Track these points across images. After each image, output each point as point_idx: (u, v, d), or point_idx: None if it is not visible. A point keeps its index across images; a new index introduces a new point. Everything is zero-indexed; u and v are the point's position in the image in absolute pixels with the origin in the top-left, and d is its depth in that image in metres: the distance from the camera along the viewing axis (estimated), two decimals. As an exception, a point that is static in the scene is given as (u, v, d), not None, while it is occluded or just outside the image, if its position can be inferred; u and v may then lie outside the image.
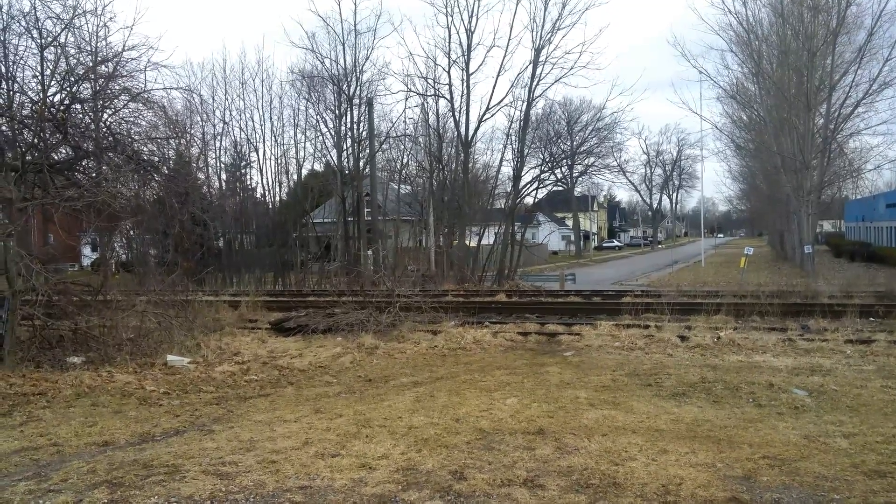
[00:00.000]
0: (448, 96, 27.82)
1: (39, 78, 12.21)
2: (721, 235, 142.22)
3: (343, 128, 30.48)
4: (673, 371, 9.34)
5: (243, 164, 35.55)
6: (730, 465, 5.44)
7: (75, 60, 12.18)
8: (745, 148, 40.40)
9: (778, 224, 46.05)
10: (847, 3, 26.61)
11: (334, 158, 30.87)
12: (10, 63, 12.60)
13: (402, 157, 33.61)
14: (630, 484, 5.06)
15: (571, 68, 29.66)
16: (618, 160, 59.81)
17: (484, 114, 29.91)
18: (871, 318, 13.24)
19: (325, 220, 35.48)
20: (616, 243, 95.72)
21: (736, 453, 5.74)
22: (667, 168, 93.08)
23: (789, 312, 13.97)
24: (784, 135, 28.45)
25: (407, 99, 31.41)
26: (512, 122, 30.32)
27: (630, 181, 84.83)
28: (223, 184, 34.64)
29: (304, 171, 34.80)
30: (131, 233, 11.95)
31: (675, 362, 10.08)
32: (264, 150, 58.55)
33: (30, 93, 11.96)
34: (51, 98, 11.84)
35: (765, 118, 30.84)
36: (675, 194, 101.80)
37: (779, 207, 38.85)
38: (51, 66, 12.08)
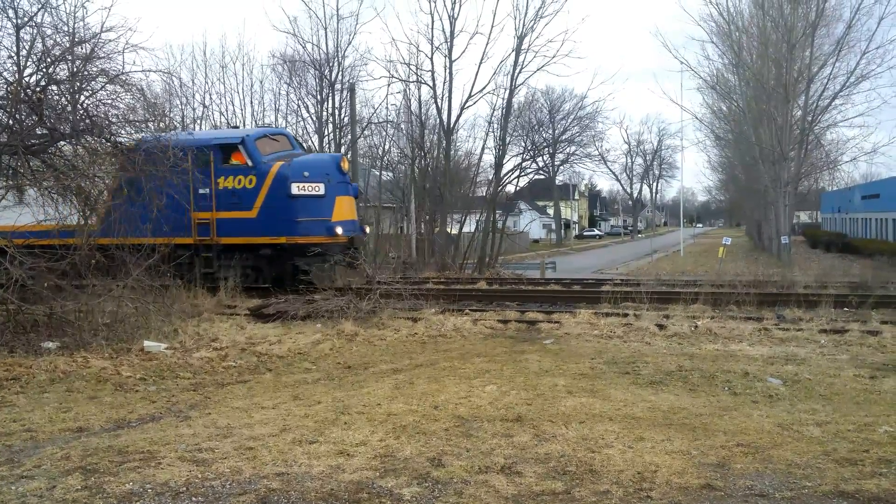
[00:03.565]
0: (431, 83, 27.71)
1: (15, 59, 11.94)
2: (700, 225, 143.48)
3: (324, 113, 30.26)
4: (651, 359, 9.42)
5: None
6: (704, 453, 5.51)
7: (52, 41, 11.91)
8: (725, 138, 40.73)
9: (756, 214, 46.55)
10: (827, -5, 26.85)
11: (315, 144, 30.63)
12: (-16, 43, 12.35)
13: (384, 144, 33.46)
14: (606, 471, 5.11)
15: (554, 57, 29.44)
16: (599, 149, 60.16)
17: (466, 101, 29.77)
18: (846, 308, 13.44)
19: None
20: (597, 232, 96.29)
21: (711, 441, 5.82)
22: (647, 158, 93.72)
23: (765, 302, 14.14)
24: (763, 126, 28.71)
25: (389, 85, 31.37)
26: (494, 109, 30.33)
27: (611, 170, 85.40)
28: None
29: (285, 157, 34.44)
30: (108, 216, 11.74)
31: (652, 350, 10.18)
32: (245, 135, 57.86)
33: (5, 74, 11.71)
34: (27, 79, 11.59)
35: (744, 109, 31.09)
36: (655, 184, 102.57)
37: (757, 198, 39.27)
38: (27, 47, 11.83)
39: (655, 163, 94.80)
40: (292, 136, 19.44)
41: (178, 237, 15.78)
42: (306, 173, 15.81)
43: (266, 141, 16.49)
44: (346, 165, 16.95)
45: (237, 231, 15.84)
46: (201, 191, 15.93)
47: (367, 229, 17.28)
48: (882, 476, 4.99)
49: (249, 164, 15.77)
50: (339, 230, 15.99)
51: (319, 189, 15.87)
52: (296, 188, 15.60)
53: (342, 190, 16.55)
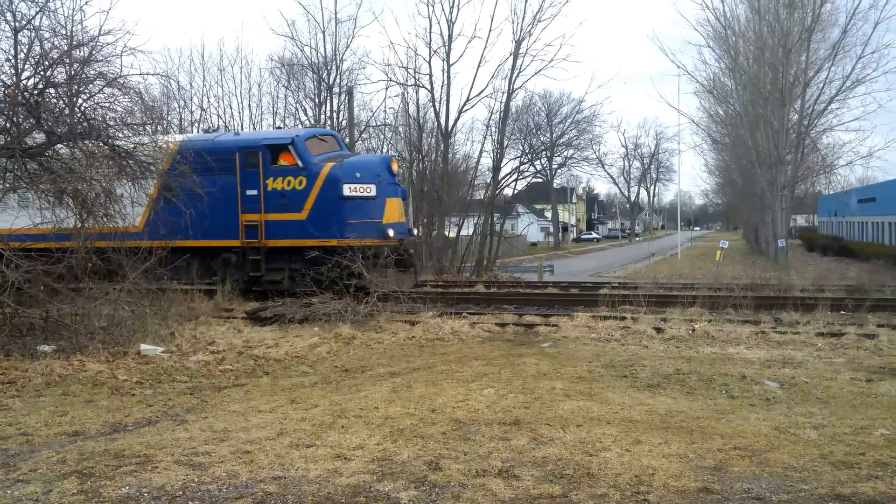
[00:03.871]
0: (429, 86, 27.72)
1: (13, 61, 11.92)
2: (697, 229, 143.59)
3: (322, 116, 30.24)
4: (648, 362, 9.43)
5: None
6: (702, 456, 5.51)
7: (50, 44, 11.90)
8: (722, 142, 40.81)
9: (752, 218, 46.60)
10: (822, 0, 26.93)
11: (313, 147, 30.60)
12: (-18, 46, 12.31)
13: (382, 147, 33.45)
14: (604, 474, 5.11)
15: (551, 61, 29.52)
16: (596, 153, 60.14)
17: (464, 104, 29.79)
18: (842, 312, 13.47)
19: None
20: (594, 235, 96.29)
21: (708, 444, 5.82)
22: (645, 161, 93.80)
23: (762, 305, 14.17)
24: (759, 130, 28.77)
25: (387, 88, 31.37)
26: (492, 113, 30.33)
27: (608, 174, 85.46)
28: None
29: (283, 160, 34.44)
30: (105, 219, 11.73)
31: (650, 354, 10.18)
32: (242, 138, 57.84)
33: (2, 76, 11.71)
34: (24, 82, 11.58)
35: (741, 113, 31.15)
36: (652, 187, 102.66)
37: (753, 201, 39.34)
38: (24, 50, 11.81)
39: (653, 166, 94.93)
40: (340, 136, 19.10)
41: (225, 240, 15.79)
42: (358, 174, 15.55)
43: (315, 141, 16.24)
44: (395, 167, 16.63)
45: (286, 233, 15.56)
46: (249, 192, 15.71)
47: (416, 232, 16.81)
48: (878, 479, 4.99)
49: (300, 164, 15.49)
50: (391, 232, 15.71)
51: (371, 190, 15.61)
52: (347, 189, 15.34)
53: (392, 191, 16.31)
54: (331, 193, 15.32)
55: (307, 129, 17.98)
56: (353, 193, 15.42)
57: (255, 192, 15.69)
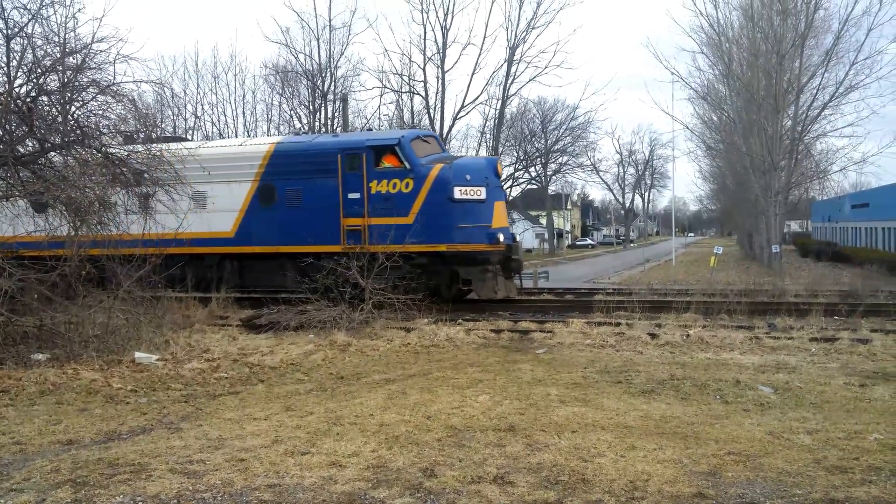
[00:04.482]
0: (423, 93, 27.93)
1: (5, 69, 11.91)
2: (692, 234, 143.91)
3: (317, 123, 30.32)
4: (643, 368, 9.44)
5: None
6: (696, 461, 5.52)
7: (42, 52, 11.90)
8: (716, 149, 40.93)
9: (746, 224, 46.76)
10: (815, 7, 27.12)
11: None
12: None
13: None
14: (599, 480, 5.12)
15: (546, 67, 29.82)
16: (591, 159, 60.32)
17: (459, 111, 30.02)
18: (836, 317, 13.51)
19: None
20: (589, 241, 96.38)
21: (702, 449, 5.83)
22: (639, 167, 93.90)
23: (757, 311, 14.20)
24: (753, 136, 28.89)
25: (382, 95, 31.32)
26: (487, 119, 30.51)
27: (603, 180, 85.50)
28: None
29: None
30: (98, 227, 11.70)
31: (645, 359, 10.20)
32: (237, 146, 57.75)
33: (-5, 84, 11.69)
34: (17, 90, 11.57)
35: (734, 119, 31.30)
36: (647, 193, 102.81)
37: (747, 207, 39.45)
38: (17, 57, 11.80)
39: (647, 172, 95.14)
40: (440, 138, 18.59)
41: (324, 245, 15.24)
42: (468, 176, 14.92)
43: (419, 142, 15.66)
44: (500, 169, 16.08)
45: (390, 238, 14.78)
46: (351, 195, 15.11)
47: (518, 238, 16.31)
48: (872, 483, 5.01)
49: (407, 166, 14.87)
50: (501, 237, 15.13)
51: (481, 193, 14.96)
52: (458, 192, 14.73)
53: (498, 195, 15.77)
54: (440, 196, 14.72)
55: (410, 130, 17.01)
56: (464, 197, 14.79)
57: (357, 196, 15.06)
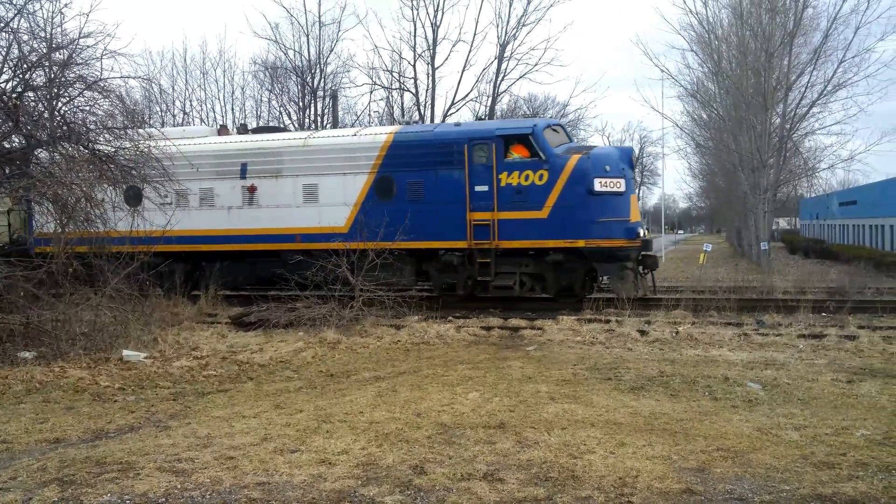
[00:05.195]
0: (413, 90, 27.84)
1: (-10, 65, 11.81)
2: (681, 232, 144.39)
3: (307, 120, 30.20)
4: (632, 365, 9.47)
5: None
6: (685, 458, 5.54)
7: (28, 47, 11.80)
8: (705, 146, 41.07)
9: (736, 221, 46.99)
10: (803, 5, 27.25)
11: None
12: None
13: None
14: (588, 477, 5.13)
15: (536, 64, 29.68)
16: (581, 156, 60.12)
17: (449, 108, 29.88)
18: (824, 314, 13.59)
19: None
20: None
21: (691, 446, 5.86)
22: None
23: (745, 307, 14.27)
24: (742, 134, 29.01)
25: (372, 92, 31.25)
26: (477, 117, 30.36)
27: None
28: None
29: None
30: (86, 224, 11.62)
31: (634, 356, 10.23)
32: (226, 142, 57.38)
33: (-21, 79, 11.58)
34: (2, 85, 11.47)
35: (724, 117, 31.41)
36: (637, 191, 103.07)
37: (737, 205, 39.66)
38: (2, 53, 11.69)
39: (637, 170, 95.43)
40: (566, 127, 17.56)
41: (447, 241, 14.60)
42: (607, 167, 14.05)
43: (549, 131, 14.74)
44: (634, 159, 15.37)
45: (522, 233, 14.14)
46: (478, 188, 14.31)
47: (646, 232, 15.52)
48: (859, 479, 5.05)
49: (542, 157, 14.01)
50: (641, 232, 14.44)
51: (620, 185, 14.11)
52: (598, 184, 13.85)
53: (632, 187, 14.95)
54: (578, 189, 13.89)
55: (539, 118, 15.86)
56: (604, 189, 13.93)
57: (485, 188, 14.26)
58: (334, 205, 15.19)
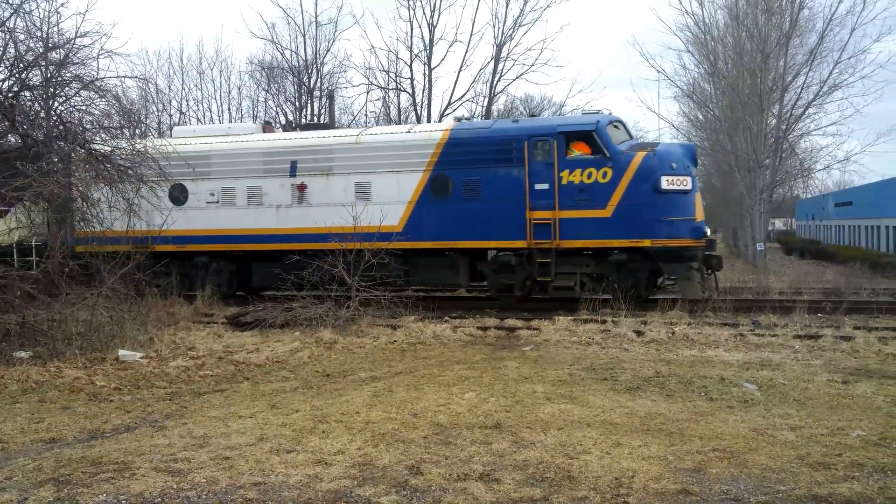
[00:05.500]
0: (410, 90, 27.85)
1: (-14, 64, 11.79)
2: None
3: (303, 120, 30.15)
4: (628, 365, 9.48)
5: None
6: (681, 458, 5.55)
7: (25, 46, 11.80)
8: (701, 147, 41.13)
9: (732, 221, 47.06)
10: (799, 6, 27.33)
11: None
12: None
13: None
14: (584, 477, 5.14)
15: (532, 65, 29.77)
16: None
17: (446, 108, 29.87)
18: (819, 314, 13.62)
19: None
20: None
21: (687, 446, 5.87)
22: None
23: (741, 308, 14.29)
24: (738, 134, 29.07)
25: (368, 92, 31.24)
26: (474, 117, 30.36)
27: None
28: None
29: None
30: (82, 224, 11.62)
31: (630, 357, 10.24)
32: (222, 142, 57.30)
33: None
34: (-2, 84, 11.46)
35: (720, 118, 31.47)
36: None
37: (733, 205, 39.72)
38: (-1, 52, 11.69)
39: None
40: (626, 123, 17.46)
41: (506, 240, 14.39)
42: (673, 164, 13.75)
43: (611, 128, 14.40)
44: (697, 157, 15.02)
45: (584, 233, 13.85)
46: (538, 186, 14.01)
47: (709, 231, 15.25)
48: (855, 480, 5.06)
49: (605, 153, 13.77)
50: (707, 231, 14.19)
51: (687, 183, 13.79)
52: (665, 182, 13.56)
53: (697, 185, 14.67)
54: (644, 187, 13.61)
55: (602, 114, 16.18)
56: (671, 187, 13.62)
57: (546, 187, 13.96)
58: (388, 203, 14.92)
